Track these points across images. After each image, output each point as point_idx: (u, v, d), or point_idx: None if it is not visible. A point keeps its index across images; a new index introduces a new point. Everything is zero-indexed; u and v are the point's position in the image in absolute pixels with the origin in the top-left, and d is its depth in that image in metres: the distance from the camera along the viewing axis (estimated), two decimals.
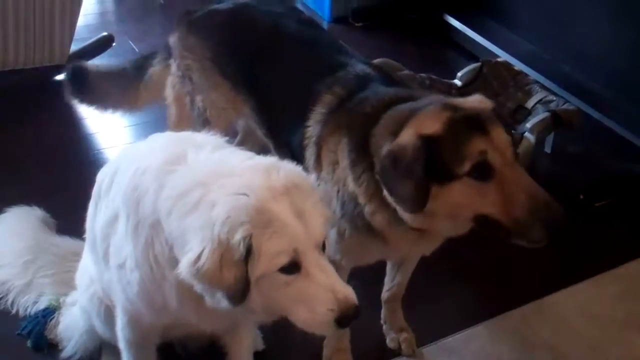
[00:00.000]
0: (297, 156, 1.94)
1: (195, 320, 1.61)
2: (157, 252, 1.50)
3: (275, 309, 1.46)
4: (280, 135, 2.10)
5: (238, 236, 1.36)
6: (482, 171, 1.54)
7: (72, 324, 2.05)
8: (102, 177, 1.73)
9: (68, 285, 2.12)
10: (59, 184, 2.79)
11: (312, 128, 1.89)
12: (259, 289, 1.41)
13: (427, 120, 1.61)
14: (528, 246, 1.64)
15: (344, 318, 1.43)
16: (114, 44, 3.68)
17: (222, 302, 1.41)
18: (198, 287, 1.42)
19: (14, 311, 2.20)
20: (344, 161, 1.79)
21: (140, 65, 2.51)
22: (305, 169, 1.90)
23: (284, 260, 1.39)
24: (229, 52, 2.19)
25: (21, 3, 3.15)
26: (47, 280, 2.19)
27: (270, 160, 1.51)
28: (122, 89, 2.59)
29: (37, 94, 3.35)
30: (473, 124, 1.57)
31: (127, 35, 3.89)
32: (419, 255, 2.02)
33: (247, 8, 2.25)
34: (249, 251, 1.36)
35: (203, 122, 2.28)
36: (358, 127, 1.77)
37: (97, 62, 2.84)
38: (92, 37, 3.68)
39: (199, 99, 2.25)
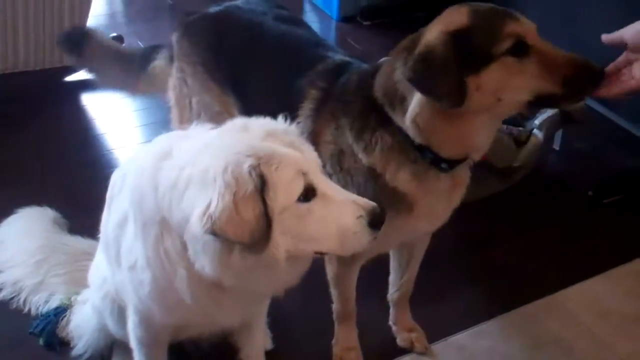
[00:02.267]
0: None
1: (211, 313, 1.59)
2: (167, 248, 1.48)
3: (303, 247, 1.42)
4: None
5: (246, 168, 1.32)
6: (520, 49, 1.56)
7: (83, 322, 2.06)
8: (114, 179, 1.74)
9: (80, 284, 2.13)
10: (69, 184, 2.81)
11: (303, 124, 1.88)
12: (282, 227, 1.37)
13: (449, 16, 1.63)
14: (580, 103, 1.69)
15: (375, 219, 1.42)
16: (123, 44, 3.70)
17: (242, 258, 1.37)
18: (213, 245, 1.37)
19: (25, 310, 2.22)
20: (349, 139, 1.78)
21: (146, 56, 2.50)
22: None
23: (300, 185, 1.37)
24: (216, 56, 2.20)
25: (31, 5, 3.18)
26: (59, 280, 2.21)
27: (240, 119, 1.52)
28: (123, 71, 2.58)
29: (46, 94, 3.37)
30: (502, 12, 1.60)
31: (136, 36, 3.91)
32: (443, 218, 1.91)
33: (231, 10, 2.25)
34: (262, 184, 1.33)
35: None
36: (353, 100, 1.77)
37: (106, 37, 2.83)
38: None
39: (194, 101, 2.27)
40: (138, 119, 3.32)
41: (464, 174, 1.81)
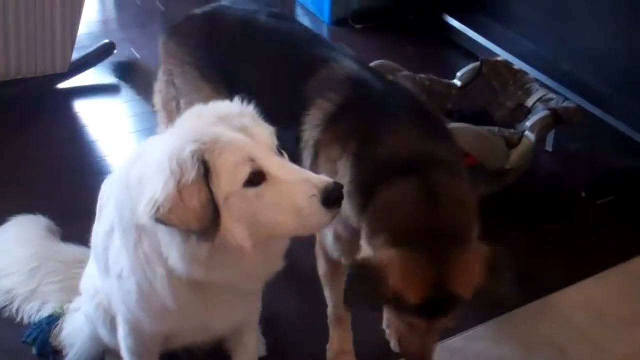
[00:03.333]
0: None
1: (198, 317, 1.58)
2: (145, 251, 1.47)
3: (259, 231, 1.39)
4: None
5: (187, 154, 1.31)
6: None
7: (76, 331, 2.06)
8: (103, 189, 1.74)
9: (73, 292, 2.13)
10: (62, 191, 2.80)
11: (309, 132, 1.86)
12: (231, 213, 1.35)
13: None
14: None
15: (329, 197, 1.38)
16: (115, 51, 3.70)
17: (200, 247, 1.36)
18: (174, 237, 1.36)
19: (18, 319, 2.21)
20: (344, 180, 1.73)
21: None
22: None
23: (245, 171, 1.34)
24: (206, 55, 2.19)
25: (22, 13, 3.17)
26: (52, 288, 2.21)
27: (197, 106, 1.50)
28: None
29: (39, 102, 3.37)
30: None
31: (129, 43, 3.91)
32: None
33: (220, 9, 2.26)
34: (206, 171, 1.32)
35: None
36: (364, 168, 1.71)
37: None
38: (93, 45, 3.69)
39: (183, 102, 2.26)
40: (132, 126, 3.32)
41: None
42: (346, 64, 1.93)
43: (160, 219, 1.31)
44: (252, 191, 1.36)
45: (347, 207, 1.70)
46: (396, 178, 1.64)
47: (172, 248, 1.40)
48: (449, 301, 1.61)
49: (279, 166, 1.40)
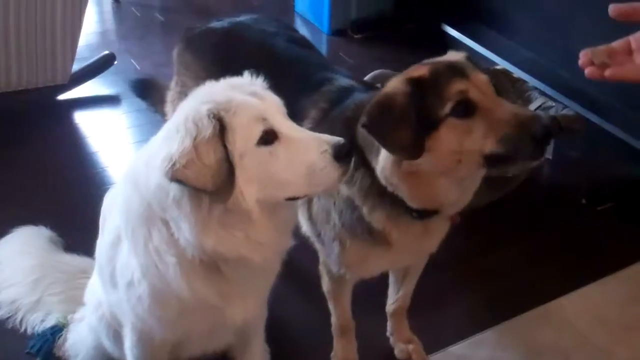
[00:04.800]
0: None
1: (211, 309, 1.57)
2: (156, 244, 1.48)
3: (271, 192, 1.42)
4: None
5: (204, 112, 1.35)
6: (465, 108, 1.53)
7: (80, 340, 2.05)
8: (105, 202, 1.75)
9: (76, 302, 2.13)
10: (63, 202, 2.80)
11: None
12: (244, 172, 1.38)
13: (412, 71, 1.62)
14: (527, 166, 1.65)
15: (340, 151, 1.41)
16: (115, 62, 3.71)
17: (211, 210, 1.38)
18: (184, 205, 1.38)
19: (22, 330, 2.21)
20: None
21: None
22: None
23: (258, 129, 1.38)
24: (222, 71, 2.19)
25: (22, 25, 3.18)
26: (56, 298, 2.21)
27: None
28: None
29: (40, 113, 3.37)
30: (452, 69, 1.57)
31: (128, 54, 3.93)
32: (424, 256, 2.00)
33: (240, 27, 2.25)
34: (221, 129, 1.35)
35: None
36: (341, 130, 1.75)
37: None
38: (93, 56, 3.71)
39: None
40: (132, 137, 3.32)
41: (439, 224, 1.79)
42: (344, 80, 1.98)
43: (175, 176, 1.33)
44: (265, 149, 1.40)
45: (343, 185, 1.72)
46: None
47: (182, 220, 1.41)
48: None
49: (290, 126, 1.45)
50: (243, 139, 1.38)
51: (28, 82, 3.35)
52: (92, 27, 4.25)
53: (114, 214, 1.64)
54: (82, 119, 3.45)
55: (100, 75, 3.65)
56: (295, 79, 2.06)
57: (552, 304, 2.47)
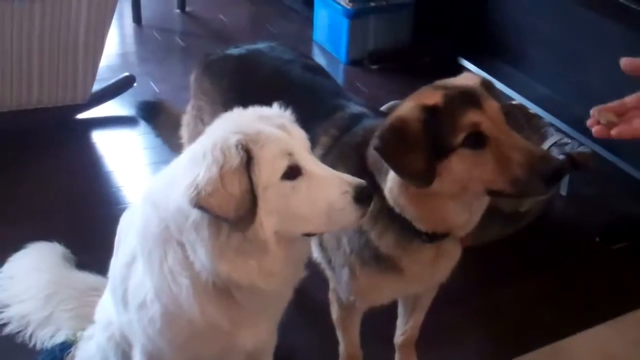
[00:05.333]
0: None
1: (223, 334, 1.57)
2: (171, 265, 1.50)
3: (289, 225, 1.44)
4: None
5: (232, 142, 1.37)
6: (477, 140, 1.54)
7: (87, 358, 2.05)
8: (121, 224, 1.77)
9: (86, 319, 2.13)
10: (78, 220, 2.82)
11: None
12: (267, 204, 1.39)
13: (424, 95, 1.62)
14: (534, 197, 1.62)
15: (361, 194, 1.43)
16: (135, 84, 3.75)
17: (230, 238, 1.39)
18: (203, 230, 1.40)
19: (31, 345, 2.22)
20: None
21: None
22: None
23: (283, 163, 1.40)
24: (237, 97, 2.20)
25: (45, 46, 3.24)
26: (66, 315, 2.21)
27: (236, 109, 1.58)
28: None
29: (58, 131, 3.41)
30: (466, 97, 1.58)
31: (148, 76, 3.97)
32: (435, 284, 1.98)
33: (256, 54, 2.28)
34: (248, 160, 1.37)
35: None
36: (351, 154, 1.80)
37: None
38: (113, 77, 3.75)
39: None
40: (148, 158, 3.35)
41: (451, 247, 1.79)
42: (355, 107, 1.99)
43: (199, 203, 1.35)
44: (288, 184, 1.41)
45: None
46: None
47: (200, 245, 1.42)
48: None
49: (314, 163, 1.46)
50: (268, 172, 1.40)
51: (49, 100, 3.39)
52: (114, 49, 4.31)
53: (130, 235, 1.65)
54: (99, 138, 3.48)
55: (120, 97, 3.69)
56: (308, 105, 2.07)
57: (562, 342, 2.44)
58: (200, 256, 1.43)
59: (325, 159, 1.88)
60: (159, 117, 2.84)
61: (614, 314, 2.56)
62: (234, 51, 2.31)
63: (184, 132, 2.38)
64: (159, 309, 1.55)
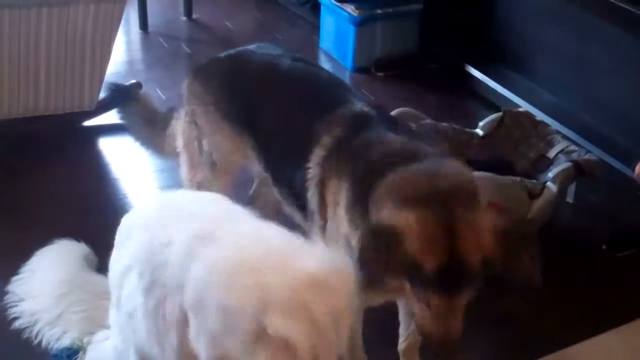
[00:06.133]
0: (298, 194, 1.96)
1: None
2: (167, 312, 1.49)
3: None
4: (279, 171, 2.12)
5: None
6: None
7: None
8: (122, 225, 1.77)
9: (95, 323, 2.13)
10: (83, 226, 2.82)
11: (313, 170, 1.90)
12: None
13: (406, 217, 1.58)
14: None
15: None
16: (141, 91, 3.76)
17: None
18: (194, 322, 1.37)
19: (36, 342, 2.20)
20: (342, 202, 1.79)
21: (165, 117, 2.59)
22: (309, 210, 1.91)
23: None
24: (229, 95, 2.23)
25: (53, 53, 3.25)
26: (77, 317, 2.19)
27: (318, 245, 1.48)
28: (151, 134, 2.70)
29: (65, 138, 3.42)
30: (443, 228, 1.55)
31: (154, 83, 3.98)
32: None
33: (245, 52, 2.31)
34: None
35: (211, 165, 2.31)
36: (359, 174, 1.77)
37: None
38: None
39: (205, 142, 2.29)
40: (153, 165, 3.35)
41: None
42: (359, 104, 1.97)
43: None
44: None
45: (346, 222, 1.74)
46: (390, 169, 1.68)
47: (201, 334, 1.38)
48: (462, 270, 1.59)
49: None
50: None
51: (55, 107, 3.41)
52: (120, 56, 4.32)
53: (129, 245, 1.65)
54: (106, 145, 3.49)
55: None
56: (303, 97, 2.07)
57: (567, 350, 2.42)
58: (200, 343, 1.38)
59: (328, 161, 1.87)
60: (131, 105, 2.80)
61: (621, 322, 2.54)
62: (222, 54, 2.34)
63: (179, 140, 2.39)
64: (145, 326, 1.55)
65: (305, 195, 1.93)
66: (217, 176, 2.32)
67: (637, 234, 3.04)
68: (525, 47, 3.95)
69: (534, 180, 2.88)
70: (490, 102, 3.88)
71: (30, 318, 2.24)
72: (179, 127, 2.39)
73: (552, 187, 2.81)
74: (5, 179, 3.09)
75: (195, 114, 2.30)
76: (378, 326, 2.08)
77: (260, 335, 1.26)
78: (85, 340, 2.14)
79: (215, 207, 1.63)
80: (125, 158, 3.37)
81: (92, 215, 2.92)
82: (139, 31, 4.68)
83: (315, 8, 4.63)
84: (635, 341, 2.48)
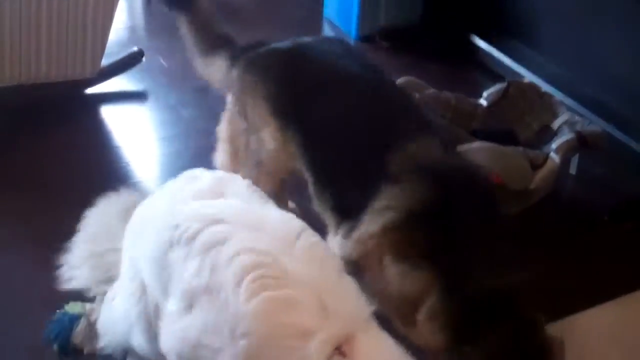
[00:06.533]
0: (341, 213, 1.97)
1: None
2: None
3: None
4: (324, 183, 2.07)
5: None
6: None
7: (110, 322, 2.01)
8: (136, 215, 1.82)
9: (110, 280, 2.06)
10: (86, 194, 2.80)
11: (386, 202, 1.87)
12: None
13: None
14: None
15: None
16: (143, 58, 3.74)
17: None
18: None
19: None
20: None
21: (216, 44, 2.46)
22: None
23: None
24: (284, 91, 2.16)
25: (54, 20, 3.23)
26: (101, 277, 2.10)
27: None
28: (195, 42, 2.57)
29: (67, 106, 3.41)
30: None
31: (157, 51, 3.95)
32: None
33: (305, 47, 2.23)
34: None
35: (257, 164, 2.25)
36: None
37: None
38: (121, 51, 3.74)
39: (253, 139, 2.23)
40: (157, 132, 3.36)
41: None
42: (433, 146, 1.94)
43: None
44: None
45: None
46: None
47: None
48: None
49: None
50: None
51: (57, 74, 3.38)
52: (122, 23, 4.28)
53: (138, 252, 1.72)
54: (108, 113, 3.48)
55: (128, 71, 3.68)
56: (370, 114, 2.01)
57: (567, 320, 2.44)
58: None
59: (392, 231, 1.85)
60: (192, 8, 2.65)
61: (622, 293, 2.55)
62: (279, 45, 2.26)
63: (224, 128, 2.34)
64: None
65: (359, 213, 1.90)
66: (262, 176, 2.22)
67: (639, 205, 3.04)
68: (531, 18, 3.91)
69: (537, 151, 2.88)
70: (495, 73, 3.85)
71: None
72: (226, 115, 2.33)
73: (555, 157, 2.81)
74: (8, 146, 3.09)
75: (245, 104, 2.23)
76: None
77: None
78: (88, 307, 2.14)
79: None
80: (127, 126, 3.37)
81: (95, 183, 2.90)
82: None
83: None
84: (634, 313, 2.49)
